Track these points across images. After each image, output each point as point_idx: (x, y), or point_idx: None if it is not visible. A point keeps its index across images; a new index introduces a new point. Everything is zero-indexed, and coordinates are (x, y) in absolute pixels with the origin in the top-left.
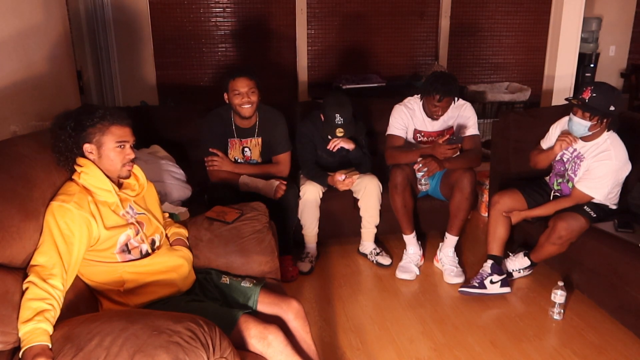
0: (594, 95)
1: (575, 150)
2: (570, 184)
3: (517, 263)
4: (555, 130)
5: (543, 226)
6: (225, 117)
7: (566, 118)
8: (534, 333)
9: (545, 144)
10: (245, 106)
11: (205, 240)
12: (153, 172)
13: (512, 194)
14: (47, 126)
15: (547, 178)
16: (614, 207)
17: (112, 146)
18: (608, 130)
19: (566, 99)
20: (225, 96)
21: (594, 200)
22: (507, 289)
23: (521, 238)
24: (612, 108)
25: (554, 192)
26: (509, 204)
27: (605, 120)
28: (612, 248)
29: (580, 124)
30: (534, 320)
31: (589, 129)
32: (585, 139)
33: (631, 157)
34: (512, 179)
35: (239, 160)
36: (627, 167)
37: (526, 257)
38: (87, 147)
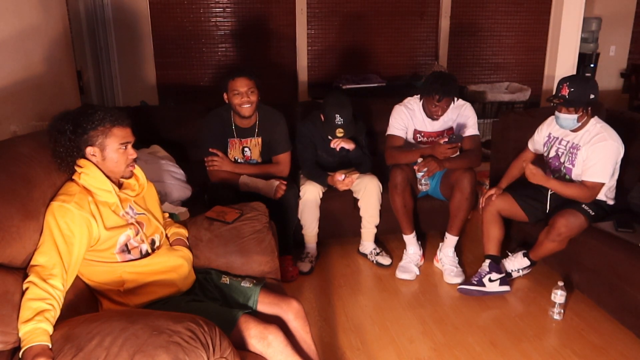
0: (572, 89)
1: (568, 142)
2: (567, 177)
3: (517, 263)
4: (541, 132)
5: (542, 225)
6: (225, 117)
7: (551, 118)
8: (534, 333)
9: (532, 144)
10: (245, 106)
11: (205, 240)
12: (153, 172)
13: (503, 196)
14: (47, 127)
15: None
16: (612, 202)
17: (115, 147)
18: (593, 116)
19: (547, 100)
20: (225, 96)
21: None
22: (506, 288)
23: (520, 237)
24: (592, 96)
25: (551, 191)
26: (500, 205)
27: (589, 108)
28: (612, 248)
29: (568, 119)
30: (534, 320)
31: (578, 120)
32: (573, 130)
33: (631, 157)
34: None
35: (239, 160)
36: (623, 147)
37: (525, 258)
38: (89, 150)
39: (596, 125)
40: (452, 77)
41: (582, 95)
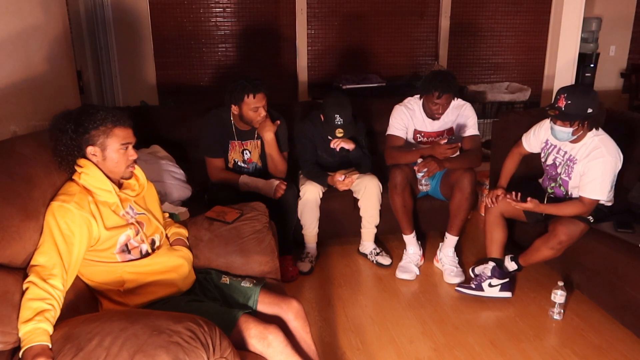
0: (569, 102)
1: (566, 153)
2: (562, 189)
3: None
4: (538, 135)
5: (542, 226)
6: (225, 119)
7: (549, 122)
8: (534, 333)
9: (527, 142)
10: (260, 120)
11: (205, 240)
12: (153, 172)
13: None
14: (47, 126)
15: (540, 180)
16: (610, 204)
17: (116, 148)
18: (590, 130)
19: (544, 109)
20: (234, 108)
21: None
22: (507, 294)
23: (521, 239)
24: (589, 110)
25: (547, 195)
26: (503, 207)
27: (586, 122)
28: (612, 248)
29: (562, 132)
30: (534, 320)
31: (573, 134)
32: (572, 141)
33: (631, 157)
34: (513, 178)
35: (238, 163)
36: (621, 159)
37: (513, 262)
38: (90, 149)
39: (594, 138)
40: (451, 74)
41: (579, 109)
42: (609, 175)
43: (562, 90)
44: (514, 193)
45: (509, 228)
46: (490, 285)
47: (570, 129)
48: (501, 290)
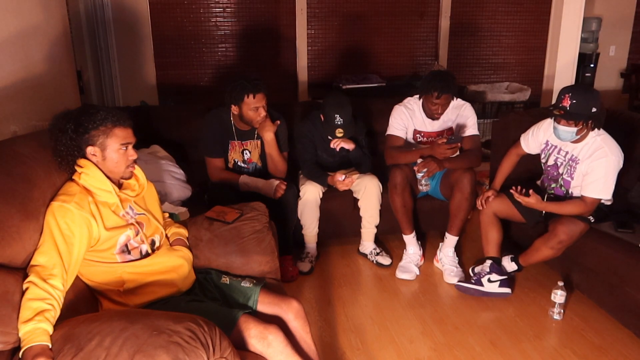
0: (574, 101)
1: (567, 153)
2: (563, 189)
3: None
4: (537, 137)
5: (542, 227)
6: (225, 119)
7: (547, 122)
8: (534, 333)
9: (525, 143)
10: (260, 120)
11: (205, 240)
12: (153, 172)
13: (499, 197)
14: (47, 126)
15: (538, 182)
16: (609, 203)
17: (116, 148)
18: (593, 129)
19: (548, 109)
20: (234, 108)
21: None
22: (507, 290)
23: (520, 239)
24: (594, 110)
25: (547, 195)
26: (496, 207)
27: (590, 122)
28: (612, 248)
29: (567, 132)
30: (534, 320)
31: (577, 133)
32: (573, 141)
33: (631, 157)
34: (511, 179)
35: (238, 163)
36: (623, 158)
37: (513, 262)
38: (90, 149)
39: (596, 138)
40: (451, 74)
41: (584, 108)
42: (612, 174)
43: (566, 89)
44: (519, 187)
45: (506, 229)
46: (489, 280)
47: (575, 129)
48: (500, 286)
